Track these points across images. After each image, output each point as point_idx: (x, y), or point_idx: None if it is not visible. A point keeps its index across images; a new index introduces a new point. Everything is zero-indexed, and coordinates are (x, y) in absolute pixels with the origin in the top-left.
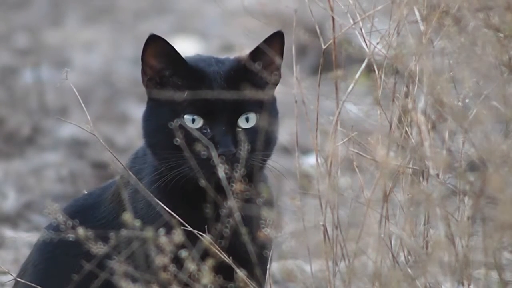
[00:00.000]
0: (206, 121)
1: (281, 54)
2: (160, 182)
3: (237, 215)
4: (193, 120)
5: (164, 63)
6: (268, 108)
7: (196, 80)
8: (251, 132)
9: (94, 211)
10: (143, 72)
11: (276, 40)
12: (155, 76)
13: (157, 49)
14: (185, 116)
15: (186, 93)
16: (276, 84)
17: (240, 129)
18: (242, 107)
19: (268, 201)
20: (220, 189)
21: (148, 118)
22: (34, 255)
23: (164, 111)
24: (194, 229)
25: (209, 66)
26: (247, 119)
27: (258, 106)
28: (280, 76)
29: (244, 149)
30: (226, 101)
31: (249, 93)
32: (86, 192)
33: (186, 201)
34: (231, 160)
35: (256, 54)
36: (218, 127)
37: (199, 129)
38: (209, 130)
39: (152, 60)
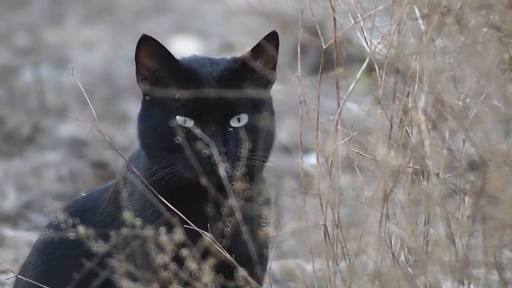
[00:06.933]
0: (197, 122)
1: (276, 54)
2: (152, 182)
3: (238, 214)
4: (184, 121)
5: (158, 64)
6: (263, 108)
7: (189, 80)
8: (243, 131)
9: (92, 213)
10: (137, 72)
11: (272, 40)
12: (151, 76)
13: (150, 49)
14: (176, 117)
15: (177, 94)
16: (272, 84)
17: (232, 129)
18: (234, 108)
19: (266, 201)
20: (217, 188)
21: (142, 118)
22: (33, 256)
23: (157, 111)
24: (189, 228)
25: (202, 67)
26: (238, 120)
27: (251, 107)
28: (275, 76)
29: (238, 147)
30: (218, 102)
31: (242, 93)
32: (84, 194)
33: (179, 200)
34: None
35: (255, 53)
36: (208, 128)
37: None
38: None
39: (146, 61)
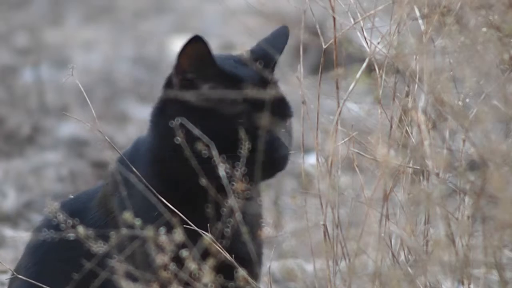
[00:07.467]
0: (263, 125)
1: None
2: (154, 183)
3: (238, 215)
4: (249, 125)
5: (202, 67)
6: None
7: (235, 85)
8: (290, 131)
9: (82, 218)
10: (176, 73)
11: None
12: (187, 79)
13: (198, 51)
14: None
15: (240, 106)
16: None
17: (284, 130)
18: (289, 108)
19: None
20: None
21: (174, 127)
22: (25, 257)
23: (209, 118)
24: (190, 232)
25: (236, 68)
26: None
27: None
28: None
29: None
30: (276, 103)
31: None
32: (72, 197)
33: (181, 203)
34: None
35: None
36: (275, 130)
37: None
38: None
39: (187, 63)
